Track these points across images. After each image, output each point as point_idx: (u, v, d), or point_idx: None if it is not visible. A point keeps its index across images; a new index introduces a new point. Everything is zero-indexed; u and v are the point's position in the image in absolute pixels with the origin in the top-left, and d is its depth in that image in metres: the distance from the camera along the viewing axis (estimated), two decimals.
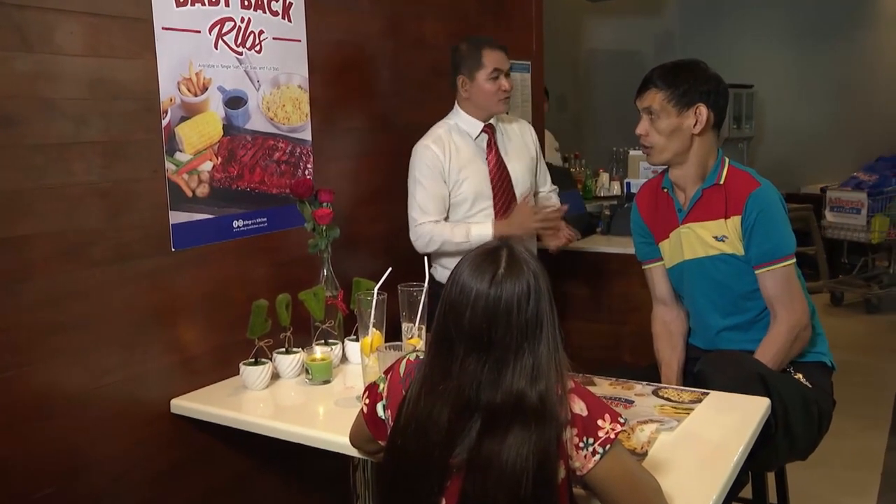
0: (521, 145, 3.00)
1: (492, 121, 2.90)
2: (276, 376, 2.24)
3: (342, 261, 2.41)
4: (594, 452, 1.41)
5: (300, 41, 2.52)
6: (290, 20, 2.48)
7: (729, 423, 1.86)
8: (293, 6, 2.48)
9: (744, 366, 2.15)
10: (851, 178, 6.07)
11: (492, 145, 2.89)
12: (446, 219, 2.83)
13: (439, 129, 2.86)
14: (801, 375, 2.25)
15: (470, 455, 1.40)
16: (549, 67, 4.15)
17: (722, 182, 2.27)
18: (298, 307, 2.26)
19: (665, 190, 2.39)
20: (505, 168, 2.90)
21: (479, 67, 2.78)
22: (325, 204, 2.38)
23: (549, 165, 3.36)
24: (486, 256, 1.45)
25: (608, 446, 1.42)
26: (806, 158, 5.61)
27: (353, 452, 1.79)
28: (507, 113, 2.98)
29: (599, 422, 1.43)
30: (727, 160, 2.32)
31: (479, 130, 2.87)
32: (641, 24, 6.33)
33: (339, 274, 2.38)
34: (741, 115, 6.72)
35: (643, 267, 2.53)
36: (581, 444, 1.41)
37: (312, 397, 2.15)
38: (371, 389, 1.64)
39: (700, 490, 1.55)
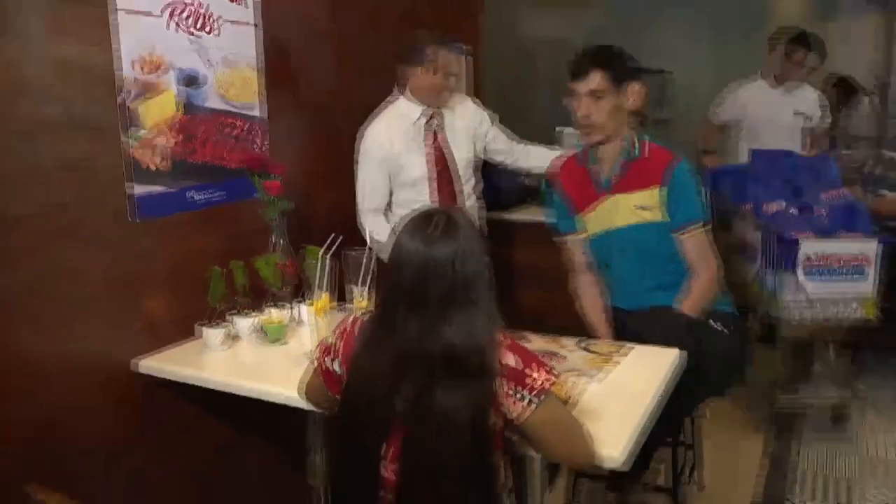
0: (463, 128, 2.90)
1: (436, 107, 2.82)
2: (234, 338, 2.21)
3: (293, 230, 2.37)
4: (530, 402, 1.42)
5: (255, 24, 2.45)
6: (246, 5, 2.41)
7: (648, 372, 1.89)
8: None
9: (673, 320, 2.22)
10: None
11: (433, 129, 2.81)
12: (389, 203, 2.79)
13: (383, 113, 2.80)
14: (719, 323, 2.31)
15: (411, 406, 1.40)
16: (489, 54, 4.12)
17: (646, 155, 2.30)
18: (252, 274, 2.23)
19: (582, 165, 2.39)
20: (446, 153, 2.83)
21: (421, 62, 2.70)
22: (273, 176, 2.33)
23: None
24: (423, 219, 1.45)
25: (542, 396, 1.43)
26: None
27: (305, 405, 1.77)
28: (445, 104, 2.85)
29: (533, 373, 1.43)
30: (645, 135, 2.34)
31: (420, 115, 2.78)
32: (571, 14, 6.34)
33: (291, 242, 2.34)
34: (662, 100, 6.79)
35: (566, 238, 2.48)
36: (515, 395, 1.42)
37: (267, 356, 2.12)
38: (323, 347, 1.63)
39: (622, 433, 1.57)
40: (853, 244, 2.88)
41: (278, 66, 2.55)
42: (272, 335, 2.17)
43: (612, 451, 1.51)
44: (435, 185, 2.80)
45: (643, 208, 2.29)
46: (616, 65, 2.25)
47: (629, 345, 2.08)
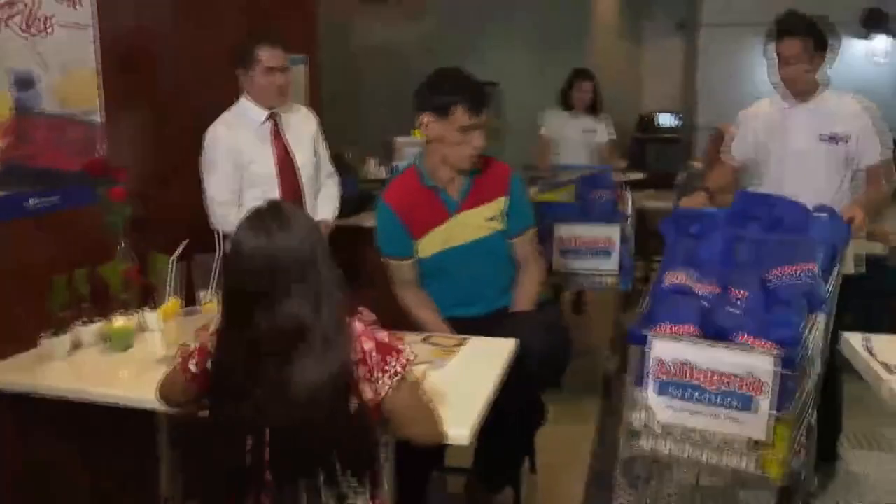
0: (303, 133, 2.99)
1: (276, 109, 2.89)
2: (76, 346, 2.17)
3: (139, 235, 2.36)
4: (385, 384, 1.53)
5: (89, 25, 2.42)
6: (79, 5, 2.37)
7: (487, 361, 2.05)
8: None
9: (543, 323, 2.42)
10: None
11: (277, 132, 2.89)
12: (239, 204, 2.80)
13: (228, 115, 2.84)
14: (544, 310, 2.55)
15: (269, 390, 1.48)
16: (324, 61, 4.21)
17: (486, 168, 2.47)
18: (97, 281, 2.20)
19: (429, 187, 2.46)
20: (290, 154, 2.91)
21: (255, 63, 2.76)
22: (119, 182, 2.32)
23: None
24: (258, 213, 1.53)
25: (397, 378, 1.54)
26: None
27: (157, 407, 1.79)
28: (285, 104, 2.92)
29: (388, 358, 1.55)
30: None
31: (264, 118, 2.85)
32: (406, 24, 6.54)
33: (136, 248, 2.33)
34: (491, 110, 7.15)
35: (392, 262, 2.51)
36: (373, 378, 1.53)
37: (114, 363, 2.11)
38: (183, 349, 1.67)
39: (464, 417, 1.71)
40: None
41: (117, 69, 2.52)
42: (118, 342, 2.16)
43: (461, 430, 1.66)
44: (282, 184, 2.85)
45: (492, 219, 2.48)
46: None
47: (467, 337, 2.24)
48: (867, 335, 1.97)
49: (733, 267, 2.07)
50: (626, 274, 3.60)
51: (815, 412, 1.96)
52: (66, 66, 2.33)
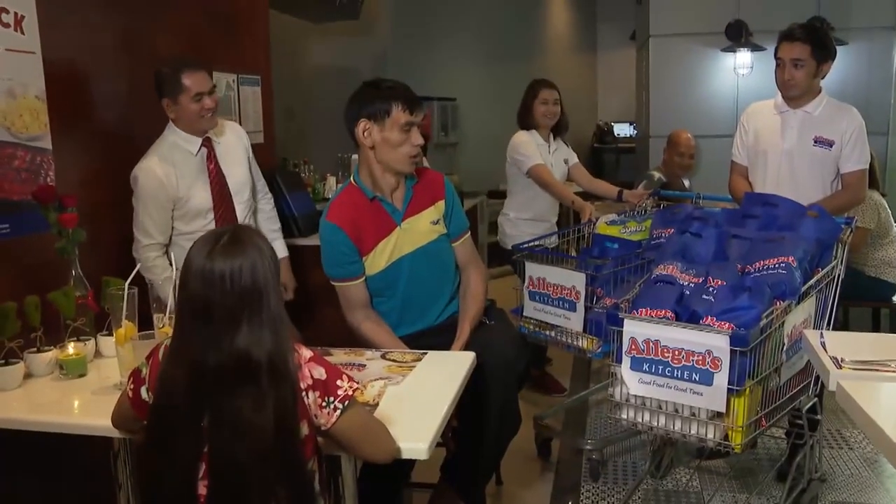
0: (237, 151, 2.97)
1: (209, 133, 2.85)
2: (28, 376, 2.15)
3: (90, 261, 2.35)
4: (335, 409, 1.55)
5: (34, 53, 2.42)
6: (23, 32, 2.37)
7: (444, 375, 2.07)
8: (25, 19, 2.38)
9: (504, 332, 2.49)
10: None
11: (212, 158, 2.85)
12: (170, 241, 2.78)
13: (161, 148, 2.77)
14: (488, 316, 2.60)
15: (212, 416, 1.48)
16: (277, 81, 4.23)
17: (418, 178, 2.53)
18: (49, 308, 2.18)
19: (373, 199, 2.46)
20: (224, 180, 2.87)
21: (181, 91, 2.70)
22: (69, 209, 2.31)
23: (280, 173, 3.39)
24: (210, 235, 1.53)
25: (346, 402, 1.56)
26: (501, 161, 6.16)
27: (115, 434, 1.80)
28: (215, 125, 2.88)
29: (338, 382, 1.57)
30: None
31: (199, 146, 2.81)
32: (358, 45, 6.59)
33: (88, 274, 2.32)
34: (447, 124, 7.23)
35: (342, 285, 2.50)
36: (324, 404, 1.55)
37: (68, 391, 2.09)
38: (135, 374, 1.66)
39: (422, 431, 1.72)
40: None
41: (64, 96, 2.53)
42: (72, 370, 2.14)
43: (417, 444, 1.68)
44: (216, 213, 2.83)
45: (436, 223, 2.53)
46: None
47: (423, 352, 2.27)
48: (825, 331, 2.07)
49: (723, 261, 2.32)
50: None
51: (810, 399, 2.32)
52: (13, 91, 2.33)
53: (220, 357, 1.46)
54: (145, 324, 2.17)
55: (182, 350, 1.51)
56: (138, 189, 2.72)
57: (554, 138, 4.01)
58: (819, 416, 2.49)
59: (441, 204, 2.54)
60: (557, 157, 3.98)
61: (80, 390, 2.08)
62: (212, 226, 2.79)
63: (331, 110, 6.15)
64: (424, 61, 7.13)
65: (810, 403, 2.39)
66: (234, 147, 2.96)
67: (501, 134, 4.55)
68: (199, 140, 2.81)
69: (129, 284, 2.09)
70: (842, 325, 2.40)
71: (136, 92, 2.94)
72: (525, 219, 3.95)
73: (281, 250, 3.13)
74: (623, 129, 10.03)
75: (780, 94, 3.05)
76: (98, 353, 2.30)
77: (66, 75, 2.56)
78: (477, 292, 2.58)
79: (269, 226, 3.17)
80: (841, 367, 1.84)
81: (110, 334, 2.20)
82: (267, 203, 3.20)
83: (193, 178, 2.79)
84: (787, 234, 2.33)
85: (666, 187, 4.24)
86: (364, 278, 2.49)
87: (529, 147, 3.86)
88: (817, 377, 2.30)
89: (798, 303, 2.20)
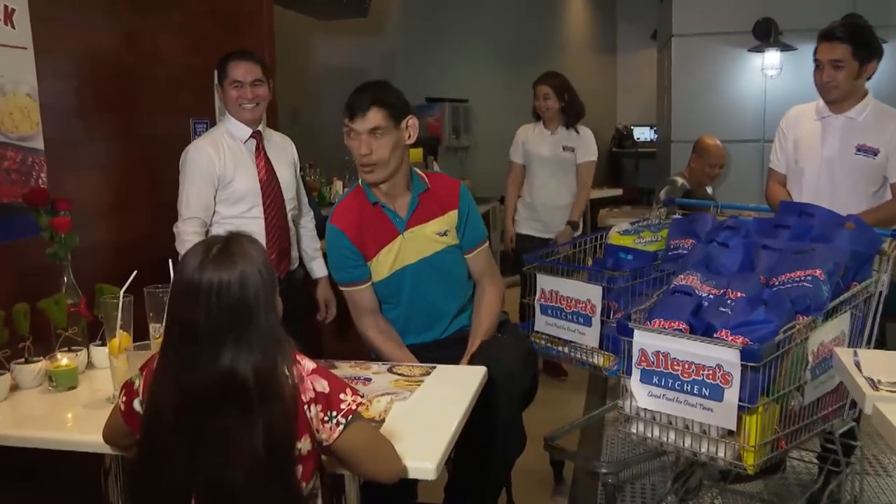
0: (285, 158, 3.06)
1: (259, 128, 2.95)
2: (15, 388, 2.13)
3: (84, 268, 2.34)
4: (338, 423, 1.53)
5: (27, 49, 2.41)
6: (13, 27, 2.37)
7: (453, 391, 2.04)
8: (16, 13, 2.37)
9: (513, 344, 2.43)
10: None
11: (260, 149, 2.95)
12: (211, 225, 2.83)
13: (214, 133, 2.91)
14: (502, 331, 2.57)
15: (200, 439, 1.45)
16: (282, 81, 4.22)
17: (429, 185, 2.49)
18: (39, 316, 2.17)
19: (375, 204, 2.45)
20: (273, 171, 2.96)
21: (225, 77, 2.86)
22: (62, 212, 2.30)
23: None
24: (203, 245, 1.50)
25: (350, 417, 1.54)
26: None
27: (107, 450, 1.77)
28: (259, 119, 2.96)
29: (341, 396, 1.54)
30: (414, 168, 2.52)
31: (248, 136, 2.92)
32: (367, 44, 6.58)
33: (82, 281, 2.31)
34: (459, 127, 7.21)
35: (348, 290, 2.51)
36: (326, 418, 1.52)
37: (58, 404, 2.08)
38: (127, 387, 1.64)
39: (430, 449, 1.70)
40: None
41: (58, 94, 2.52)
42: (62, 382, 2.13)
43: (424, 463, 1.65)
44: (265, 200, 2.91)
45: (443, 234, 2.49)
46: (395, 100, 2.38)
47: (433, 365, 2.25)
48: (859, 350, 2.02)
49: (749, 273, 2.27)
50: None
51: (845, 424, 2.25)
52: (3, 88, 2.32)
53: (204, 376, 1.43)
54: (141, 334, 2.16)
55: (167, 367, 1.48)
56: (187, 163, 2.82)
57: (567, 128, 4.37)
58: (857, 443, 2.43)
59: (453, 214, 2.50)
60: (554, 142, 4.38)
61: (71, 403, 2.07)
62: (256, 213, 2.87)
63: (338, 112, 6.19)
64: (436, 62, 7.12)
65: (846, 427, 2.33)
66: (283, 152, 3.07)
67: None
68: (250, 131, 2.92)
69: (125, 292, 2.08)
70: (878, 343, 2.32)
71: (135, 91, 2.93)
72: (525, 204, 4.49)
73: (320, 270, 3.20)
74: (643, 133, 9.97)
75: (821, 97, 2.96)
76: (90, 365, 2.29)
77: (60, 73, 2.55)
78: (491, 306, 2.54)
79: (313, 244, 3.25)
80: (878, 389, 1.80)
81: (104, 344, 2.18)
82: (310, 222, 3.28)
83: (240, 163, 2.89)
84: (818, 246, 2.27)
85: (689, 195, 4.19)
86: (370, 283, 2.49)
87: (516, 140, 4.52)
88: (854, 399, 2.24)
89: (826, 318, 2.13)
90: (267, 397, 1.45)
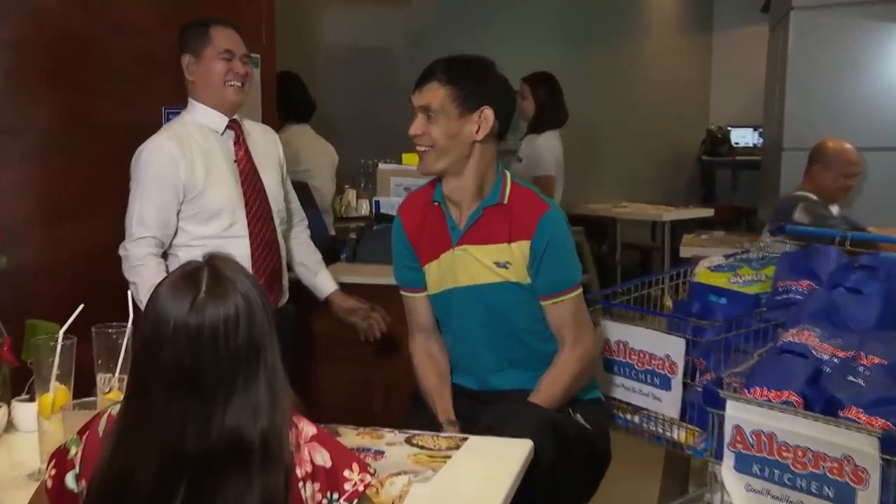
0: (269, 156, 3.05)
1: (236, 117, 2.92)
2: None
3: (11, 298, 2.32)
4: None
5: None
6: None
7: (489, 469, 1.98)
8: None
9: (532, 414, 2.31)
10: None
11: (241, 144, 2.91)
12: (169, 245, 2.81)
13: (176, 125, 2.86)
14: (580, 415, 2.47)
15: None
16: (283, 62, 4.22)
17: (506, 201, 2.45)
18: None
19: (437, 204, 2.50)
20: (256, 170, 2.94)
21: (206, 43, 2.81)
22: None
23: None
24: (184, 278, 1.46)
25: (355, 502, 1.50)
26: (577, 175, 6.00)
27: None
28: (239, 107, 2.96)
29: (346, 472, 1.51)
30: (509, 175, 2.50)
31: (225, 126, 2.88)
32: (390, 18, 6.58)
33: (7, 315, 2.27)
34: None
35: (404, 294, 2.63)
36: (325, 501, 1.49)
37: None
38: (58, 456, 1.60)
39: None
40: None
41: None
42: None
43: None
44: (248, 212, 2.89)
45: (502, 265, 2.43)
46: (467, 82, 2.40)
47: (463, 436, 2.19)
48: None
49: (891, 331, 2.15)
50: None
51: None
52: None
53: (205, 438, 1.41)
54: (83, 387, 2.11)
55: (149, 433, 1.44)
56: (140, 168, 2.78)
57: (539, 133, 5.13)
58: None
59: (524, 245, 2.42)
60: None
61: None
62: (239, 230, 2.86)
63: (353, 101, 6.19)
64: (475, 42, 7.07)
65: None
66: (266, 151, 3.05)
67: (577, 139, 4.51)
68: (226, 120, 2.87)
69: (66, 332, 2.04)
70: None
71: (92, 67, 2.92)
72: None
73: (329, 284, 3.27)
74: (744, 137, 9.85)
75: None
76: (10, 427, 2.22)
77: None
78: (556, 375, 2.45)
79: (312, 256, 3.31)
80: None
81: (32, 400, 2.14)
82: (304, 230, 3.31)
83: (214, 165, 2.84)
84: None
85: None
86: (426, 294, 2.58)
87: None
88: None
89: None
90: (269, 458, 1.43)
